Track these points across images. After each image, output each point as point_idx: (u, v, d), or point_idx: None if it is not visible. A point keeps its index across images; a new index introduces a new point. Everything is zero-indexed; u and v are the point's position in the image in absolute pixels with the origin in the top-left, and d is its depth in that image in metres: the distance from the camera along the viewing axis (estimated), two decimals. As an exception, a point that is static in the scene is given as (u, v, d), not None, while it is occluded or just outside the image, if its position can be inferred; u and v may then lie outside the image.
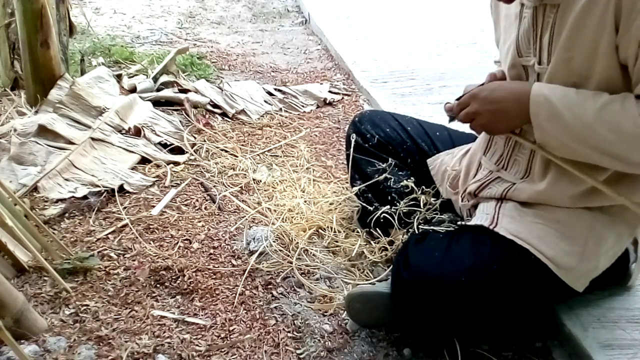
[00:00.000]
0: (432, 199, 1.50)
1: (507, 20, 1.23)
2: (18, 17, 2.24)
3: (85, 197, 1.84)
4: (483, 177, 1.35)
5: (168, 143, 2.23)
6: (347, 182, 1.80)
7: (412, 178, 1.54)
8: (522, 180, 1.25)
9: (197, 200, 1.91)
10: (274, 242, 1.64)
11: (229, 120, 2.52)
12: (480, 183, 1.35)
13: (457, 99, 1.25)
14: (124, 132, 2.21)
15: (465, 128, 1.48)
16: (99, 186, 1.89)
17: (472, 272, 1.16)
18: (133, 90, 2.55)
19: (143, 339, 1.33)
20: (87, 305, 1.43)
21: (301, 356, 1.31)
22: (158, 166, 2.10)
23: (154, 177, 2.01)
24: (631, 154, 1.04)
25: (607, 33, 1.00)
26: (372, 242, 1.59)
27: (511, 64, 1.21)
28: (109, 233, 1.72)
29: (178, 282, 1.52)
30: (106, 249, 1.65)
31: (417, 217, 1.48)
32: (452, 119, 1.29)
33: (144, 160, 2.12)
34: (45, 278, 1.52)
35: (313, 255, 1.61)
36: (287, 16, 4.38)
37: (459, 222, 1.40)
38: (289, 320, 1.41)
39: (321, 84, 2.94)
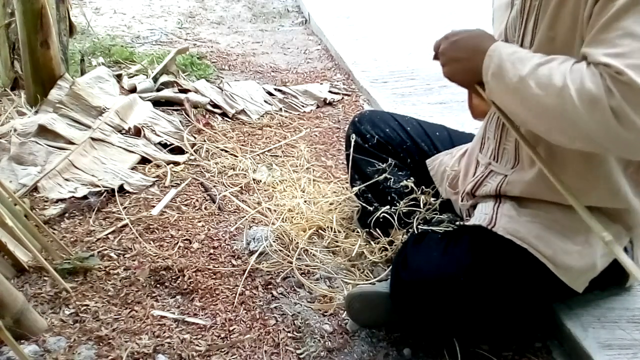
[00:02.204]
0: (432, 199, 1.50)
1: (499, 11, 1.24)
2: (18, 17, 2.24)
3: (85, 197, 1.85)
4: (480, 173, 1.35)
5: (168, 143, 2.23)
6: (347, 182, 1.80)
7: (411, 178, 1.54)
8: (513, 170, 1.25)
9: (197, 200, 1.91)
10: (274, 242, 1.64)
11: (229, 120, 2.52)
12: (476, 180, 1.35)
13: None
14: (124, 132, 2.21)
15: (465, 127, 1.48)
16: (99, 186, 1.89)
17: (470, 272, 1.16)
18: (133, 90, 2.55)
19: (143, 339, 1.34)
20: (87, 305, 1.43)
21: (301, 356, 1.31)
22: (158, 166, 2.10)
23: (154, 177, 2.01)
24: (555, 114, 0.96)
25: (583, 7, 0.99)
26: (372, 242, 1.59)
27: None
28: (109, 233, 1.72)
29: (178, 282, 1.52)
30: (106, 249, 1.65)
31: (416, 217, 1.48)
32: (435, 57, 1.25)
33: (144, 160, 2.12)
34: (45, 278, 1.52)
35: (313, 255, 1.61)
36: (287, 16, 4.38)
37: (458, 222, 1.40)
38: (289, 320, 1.41)
39: (321, 84, 2.94)
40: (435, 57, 1.24)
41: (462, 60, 1.13)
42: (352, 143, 1.65)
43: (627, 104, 0.88)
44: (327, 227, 1.70)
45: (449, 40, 1.17)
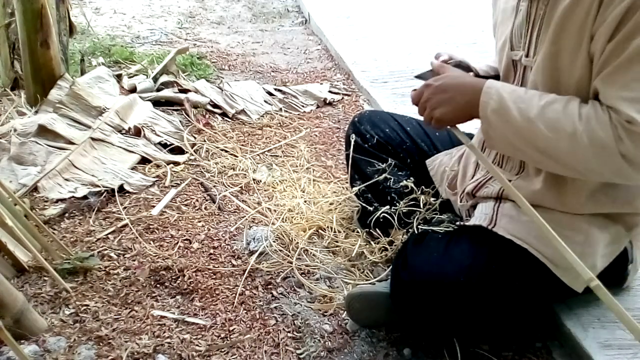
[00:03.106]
0: (432, 199, 1.50)
1: (504, 14, 1.24)
2: (18, 17, 2.24)
3: (85, 197, 1.85)
4: (480, 176, 1.35)
5: (168, 143, 2.23)
6: (347, 182, 1.80)
7: (411, 178, 1.54)
8: (518, 177, 1.25)
9: (197, 200, 1.91)
10: (274, 242, 1.64)
11: (229, 120, 2.52)
12: (477, 182, 1.35)
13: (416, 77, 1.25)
14: (124, 132, 2.21)
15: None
16: (99, 186, 1.89)
17: (470, 272, 1.16)
18: (133, 90, 2.55)
19: (143, 339, 1.34)
20: (87, 305, 1.43)
21: (301, 356, 1.31)
22: (158, 166, 2.10)
23: (154, 177, 2.01)
24: (567, 156, 1.02)
25: (590, 28, 1.00)
26: (372, 242, 1.59)
27: (504, 58, 1.21)
28: (109, 233, 1.72)
29: (178, 282, 1.52)
30: (106, 249, 1.65)
31: (416, 217, 1.48)
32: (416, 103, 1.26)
33: (144, 160, 2.12)
34: (45, 278, 1.52)
35: (313, 255, 1.61)
36: (287, 16, 4.38)
37: (458, 222, 1.40)
38: (289, 320, 1.41)
39: (321, 84, 2.94)
40: (415, 103, 1.22)
41: (452, 99, 1.14)
42: (352, 143, 1.65)
43: (637, 149, 0.95)
44: (327, 227, 1.70)
45: (431, 87, 1.17)
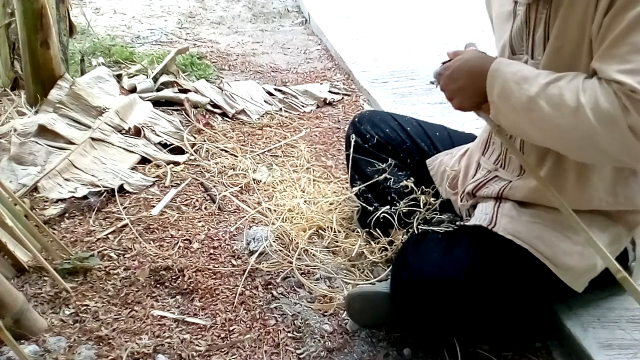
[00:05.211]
0: (432, 199, 1.50)
1: (500, 19, 1.23)
2: (18, 17, 2.24)
3: (85, 197, 1.85)
4: (481, 176, 1.35)
5: (168, 143, 2.23)
6: (347, 182, 1.80)
7: (411, 178, 1.54)
8: (518, 178, 1.25)
9: (197, 200, 1.91)
10: (274, 242, 1.64)
11: (229, 120, 2.52)
12: (478, 182, 1.35)
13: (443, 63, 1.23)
14: (124, 132, 2.21)
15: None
16: (99, 186, 1.89)
17: (470, 272, 1.16)
18: (133, 90, 2.55)
19: (143, 339, 1.34)
20: (87, 305, 1.43)
21: (301, 356, 1.31)
22: (158, 166, 2.10)
23: (154, 177, 2.01)
24: (573, 134, 0.97)
25: (590, 15, 0.99)
26: (372, 242, 1.59)
27: None
28: (109, 233, 1.72)
29: (178, 282, 1.52)
30: (106, 249, 1.65)
31: (416, 217, 1.48)
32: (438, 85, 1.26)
33: (144, 160, 2.12)
34: (45, 278, 1.52)
35: (313, 255, 1.61)
36: (287, 16, 4.38)
37: (458, 222, 1.40)
38: (289, 320, 1.41)
39: (321, 84, 2.94)
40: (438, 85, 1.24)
41: (463, 87, 1.14)
42: (352, 143, 1.65)
43: None
44: (327, 227, 1.70)
45: (445, 75, 1.17)
